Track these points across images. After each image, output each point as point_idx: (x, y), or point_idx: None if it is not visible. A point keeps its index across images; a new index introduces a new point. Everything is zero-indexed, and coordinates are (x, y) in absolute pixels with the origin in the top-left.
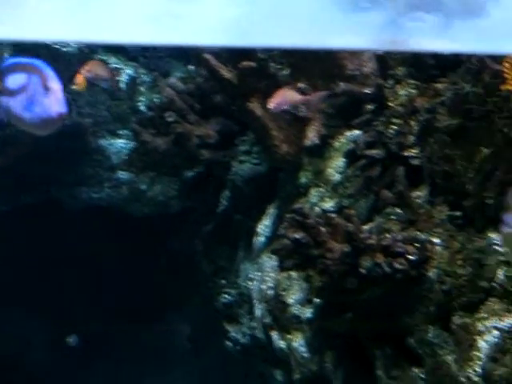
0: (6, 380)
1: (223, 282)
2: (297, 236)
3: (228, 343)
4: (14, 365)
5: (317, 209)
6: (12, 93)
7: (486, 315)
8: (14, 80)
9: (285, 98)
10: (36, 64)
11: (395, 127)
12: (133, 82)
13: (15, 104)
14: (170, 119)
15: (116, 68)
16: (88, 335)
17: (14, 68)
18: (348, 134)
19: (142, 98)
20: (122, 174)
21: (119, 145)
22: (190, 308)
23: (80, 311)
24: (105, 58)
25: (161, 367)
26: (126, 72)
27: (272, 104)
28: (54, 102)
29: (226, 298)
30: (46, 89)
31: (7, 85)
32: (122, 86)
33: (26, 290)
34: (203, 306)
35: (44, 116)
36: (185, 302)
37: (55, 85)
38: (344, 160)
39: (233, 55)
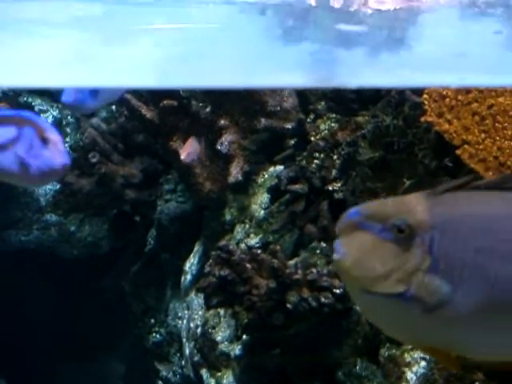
0: None
1: (152, 321)
2: (222, 273)
3: (159, 383)
4: None
5: (242, 245)
6: None
7: (413, 346)
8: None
9: (193, 147)
10: (25, 115)
11: (317, 161)
12: (58, 123)
13: (4, 159)
14: (93, 160)
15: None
16: (20, 377)
17: None
18: (271, 169)
19: (67, 139)
20: (51, 216)
21: (47, 187)
22: (123, 347)
23: (11, 353)
24: (29, 100)
25: None
26: (52, 114)
27: (183, 155)
28: (55, 154)
29: (155, 337)
30: (44, 140)
31: None
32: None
33: None
34: (136, 346)
35: (45, 169)
36: (118, 342)
37: (54, 136)
38: (268, 196)
39: (154, 94)
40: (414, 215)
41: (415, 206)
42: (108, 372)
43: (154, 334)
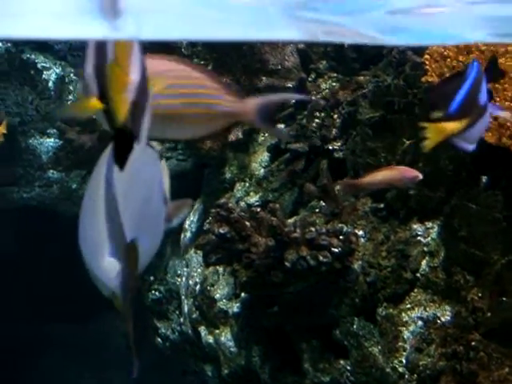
0: None
1: (152, 278)
2: (221, 231)
3: (158, 340)
4: None
5: (242, 203)
6: None
7: (410, 306)
8: None
9: None
10: None
11: (318, 121)
12: (61, 80)
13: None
14: (94, 116)
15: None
16: (21, 336)
17: None
18: None
19: (70, 97)
20: (53, 173)
21: (49, 144)
22: None
23: (12, 312)
24: (33, 57)
25: (97, 366)
26: (55, 71)
27: None
28: None
29: (155, 294)
30: None
31: None
32: (50, 85)
33: None
34: (136, 303)
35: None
36: None
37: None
38: (268, 154)
39: (156, 52)
40: None
41: None
42: (108, 329)
43: (153, 292)
